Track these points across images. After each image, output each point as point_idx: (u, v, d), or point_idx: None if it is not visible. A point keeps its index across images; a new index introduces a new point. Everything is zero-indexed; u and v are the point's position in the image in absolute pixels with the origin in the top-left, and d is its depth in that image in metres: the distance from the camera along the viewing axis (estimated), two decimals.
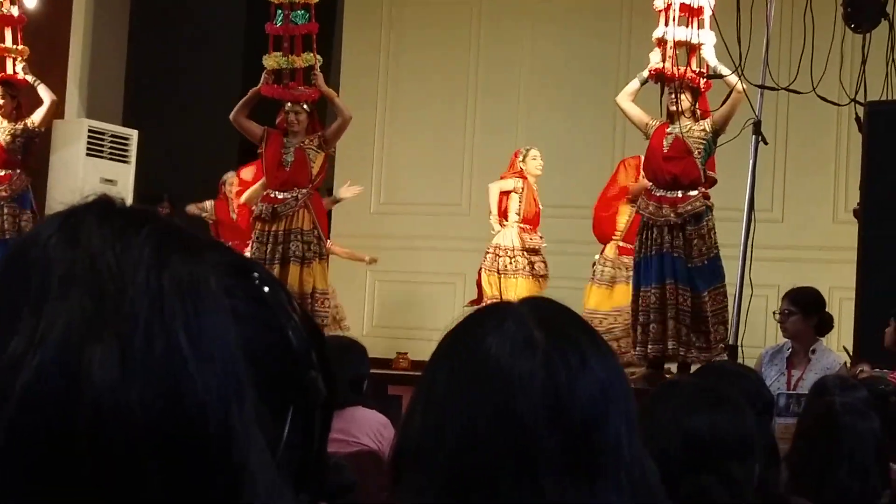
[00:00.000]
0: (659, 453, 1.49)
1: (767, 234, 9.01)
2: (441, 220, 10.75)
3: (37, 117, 8.93)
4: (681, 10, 7.81)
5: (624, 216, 9.03)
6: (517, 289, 8.92)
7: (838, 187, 9.80)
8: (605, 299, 8.93)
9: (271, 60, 8.48)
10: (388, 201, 11.08)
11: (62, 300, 0.73)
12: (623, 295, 8.56)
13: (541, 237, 9.27)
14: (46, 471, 0.71)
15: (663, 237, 7.68)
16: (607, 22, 10.53)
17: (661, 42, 7.87)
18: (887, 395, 4.56)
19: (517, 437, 1.17)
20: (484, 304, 1.39)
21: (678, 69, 7.77)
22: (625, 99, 7.95)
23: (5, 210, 8.82)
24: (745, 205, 7.40)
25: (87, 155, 10.15)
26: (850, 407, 3.22)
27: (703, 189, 7.78)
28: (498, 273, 9.09)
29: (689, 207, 7.68)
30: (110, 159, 10.31)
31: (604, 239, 9.19)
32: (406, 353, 9.67)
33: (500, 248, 9.17)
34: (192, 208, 9.95)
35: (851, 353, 6.51)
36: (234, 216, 9.86)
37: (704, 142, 7.74)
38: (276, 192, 8.34)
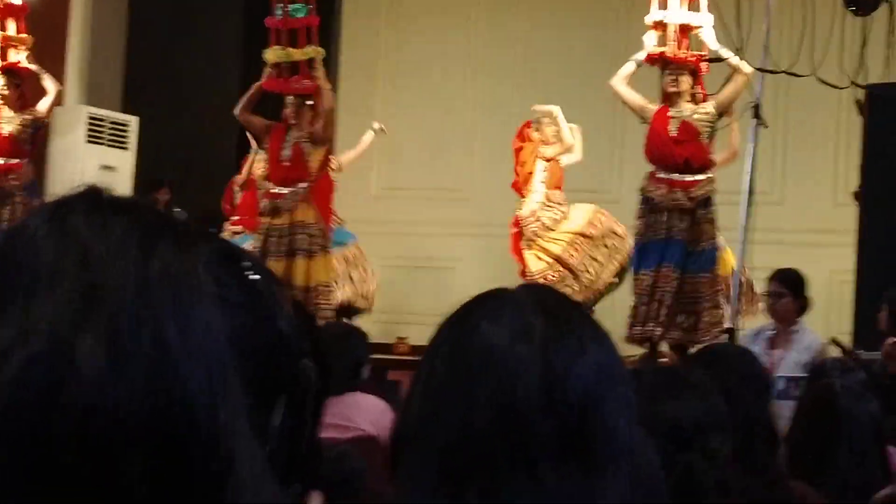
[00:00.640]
0: None
1: (767, 217, 8.99)
2: (441, 204, 10.74)
3: (42, 106, 8.92)
4: None
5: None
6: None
7: (838, 170, 9.79)
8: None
9: (271, 54, 8.44)
10: (389, 186, 11.07)
11: (50, 292, 0.72)
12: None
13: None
14: (33, 464, 0.71)
15: (672, 221, 7.63)
16: (606, 8, 10.51)
17: (659, 25, 7.84)
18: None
19: (515, 422, 1.17)
20: (481, 292, 1.38)
21: (679, 52, 7.75)
22: (620, 82, 7.91)
23: (17, 199, 8.83)
24: (744, 188, 7.39)
25: (87, 142, 10.14)
26: (849, 390, 3.22)
27: (711, 172, 7.76)
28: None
29: (702, 192, 7.65)
30: (110, 146, 10.30)
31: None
32: (406, 338, 9.68)
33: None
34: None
35: (841, 343, 6.48)
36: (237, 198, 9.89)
37: (710, 125, 7.72)
38: (278, 188, 8.32)
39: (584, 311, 1.34)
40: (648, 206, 7.74)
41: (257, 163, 9.70)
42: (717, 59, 7.68)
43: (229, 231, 9.72)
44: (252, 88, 8.44)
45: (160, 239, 0.75)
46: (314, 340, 0.84)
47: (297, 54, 8.38)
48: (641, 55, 7.85)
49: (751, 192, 7.36)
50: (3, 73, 8.91)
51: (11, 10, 9.00)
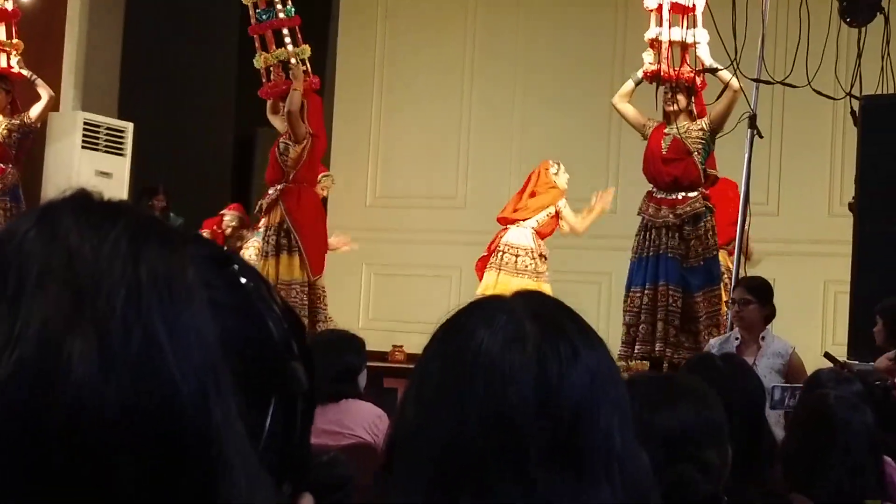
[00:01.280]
0: None
1: (762, 228, 9.01)
2: (436, 213, 10.75)
3: (34, 113, 8.91)
4: (673, 9, 7.78)
5: None
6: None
7: (833, 181, 9.81)
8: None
9: (255, 61, 8.68)
10: (384, 195, 11.08)
11: (39, 295, 0.72)
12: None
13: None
14: (25, 466, 0.70)
15: (661, 238, 7.67)
16: (602, 15, 10.53)
17: (655, 42, 7.84)
18: (886, 389, 4.57)
19: (508, 429, 1.17)
20: (476, 298, 1.38)
21: (673, 70, 7.76)
22: (620, 100, 7.95)
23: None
24: (740, 198, 7.41)
25: (83, 147, 10.14)
26: (844, 401, 3.22)
27: (704, 190, 7.77)
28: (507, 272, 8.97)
29: (689, 209, 7.68)
30: (106, 152, 10.30)
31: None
32: (402, 346, 9.67)
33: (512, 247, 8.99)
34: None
35: (834, 358, 6.48)
36: None
37: (703, 141, 7.73)
38: (269, 188, 8.55)
39: (579, 317, 1.34)
40: (642, 224, 7.81)
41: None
42: (711, 71, 7.68)
43: None
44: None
45: (149, 241, 0.75)
46: (302, 343, 0.84)
47: (270, 59, 8.53)
48: (640, 73, 7.87)
49: (746, 202, 7.37)
50: None
51: (3, 16, 9.00)
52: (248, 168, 11.77)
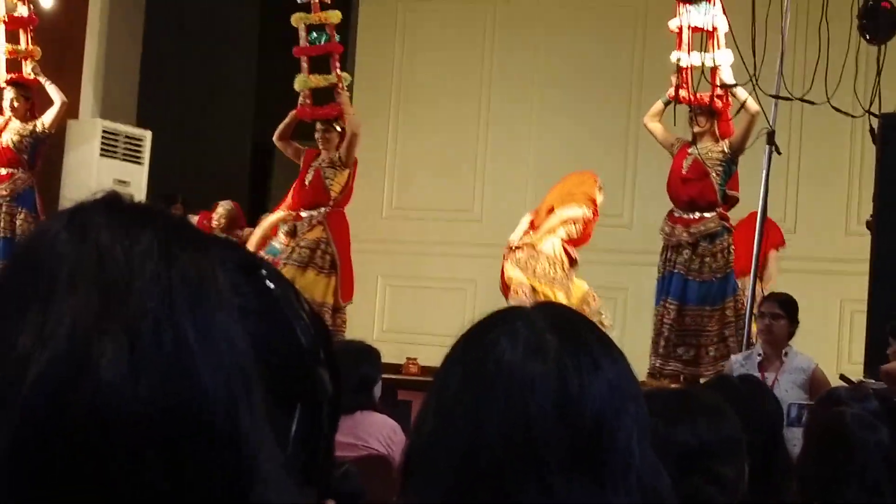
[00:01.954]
0: None
1: None
2: (452, 225, 10.75)
3: (47, 119, 8.93)
4: (694, 30, 7.81)
5: None
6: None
7: (851, 198, 9.78)
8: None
9: (298, 82, 8.63)
10: (400, 206, 11.08)
11: (70, 295, 0.72)
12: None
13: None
14: (54, 466, 0.70)
15: (676, 257, 7.76)
16: (621, 30, 10.53)
17: (679, 66, 7.90)
18: None
19: (528, 439, 1.17)
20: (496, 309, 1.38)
21: (693, 94, 7.80)
22: (650, 120, 8.07)
23: (3, 208, 8.83)
24: (758, 215, 7.40)
25: (101, 155, 10.18)
26: (860, 418, 3.20)
27: (721, 210, 7.82)
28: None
29: (703, 228, 7.75)
30: (124, 160, 10.34)
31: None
32: (416, 359, 9.67)
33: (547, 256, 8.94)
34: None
35: (849, 379, 6.45)
36: None
37: (723, 163, 7.79)
38: (301, 211, 8.51)
39: (598, 329, 1.34)
40: (663, 244, 7.90)
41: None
42: (728, 86, 7.70)
43: None
44: (288, 117, 8.62)
45: (181, 244, 0.75)
46: (328, 350, 0.84)
47: (320, 81, 8.54)
48: (667, 95, 7.97)
49: (764, 219, 7.36)
50: (11, 86, 8.94)
51: (20, 23, 9.03)
52: (265, 177, 11.80)
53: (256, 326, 0.79)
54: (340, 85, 8.67)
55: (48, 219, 0.78)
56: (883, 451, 3.11)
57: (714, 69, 7.78)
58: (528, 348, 1.23)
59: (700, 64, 7.79)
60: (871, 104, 7.07)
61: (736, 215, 8.13)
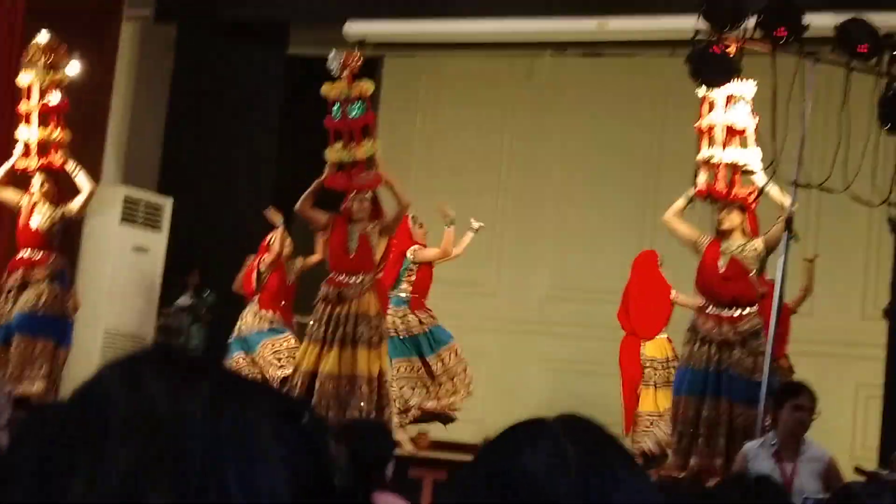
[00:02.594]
0: None
1: (796, 329, 8.98)
2: (466, 298, 10.75)
3: (75, 205, 9.00)
4: (728, 132, 7.78)
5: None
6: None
7: (868, 283, 9.77)
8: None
9: (333, 154, 8.60)
10: None
11: (121, 446, 0.74)
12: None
13: None
14: None
15: (721, 354, 7.64)
16: (641, 110, 10.60)
17: (707, 162, 7.81)
18: None
19: None
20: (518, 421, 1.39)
21: (728, 189, 7.76)
22: (672, 217, 7.89)
23: (42, 286, 8.93)
24: (775, 298, 7.38)
25: (122, 222, 10.24)
26: None
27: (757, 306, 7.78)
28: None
29: (748, 326, 7.67)
30: (143, 227, 10.40)
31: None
32: (427, 433, 9.62)
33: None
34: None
35: (864, 471, 6.41)
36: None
37: (759, 261, 7.75)
38: (343, 276, 8.48)
39: (619, 442, 1.35)
40: (696, 337, 7.74)
41: (289, 244, 9.85)
42: (764, 187, 7.63)
43: (253, 313, 9.74)
44: (314, 184, 8.60)
45: (227, 397, 0.77)
46: (366, 490, 0.85)
47: (360, 152, 8.55)
48: (692, 191, 7.83)
49: (781, 302, 7.35)
50: (40, 172, 9.03)
51: (53, 110, 9.09)
52: None
53: (296, 472, 0.80)
54: (377, 153, 8.69)
55: (104, 366, 0.80)
56: None
57: (742, 167, 7.75)
58: (551, 462, 1.23)
59: (733, 160, 7.74)
60: (889, 194, 7.09)
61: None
